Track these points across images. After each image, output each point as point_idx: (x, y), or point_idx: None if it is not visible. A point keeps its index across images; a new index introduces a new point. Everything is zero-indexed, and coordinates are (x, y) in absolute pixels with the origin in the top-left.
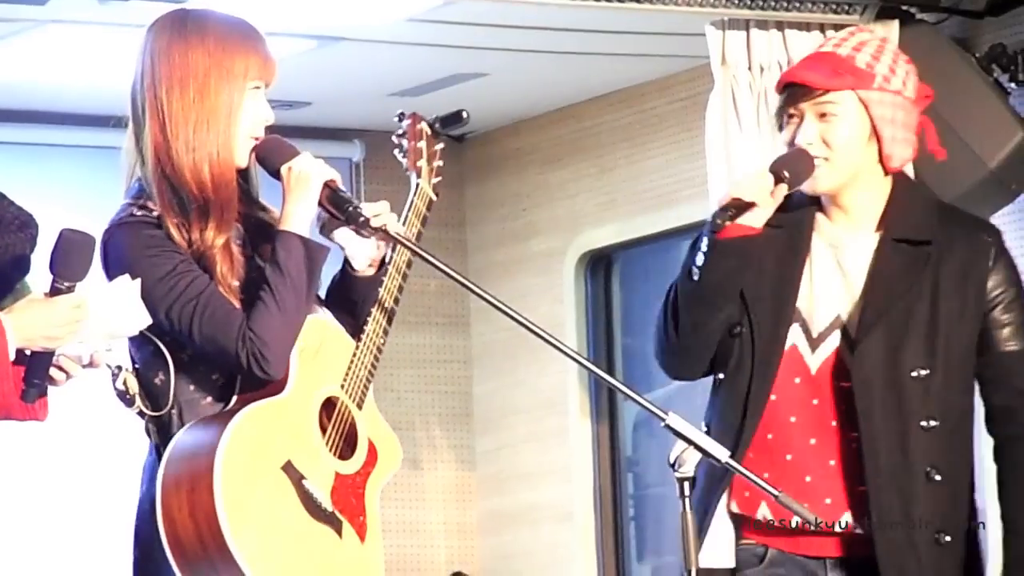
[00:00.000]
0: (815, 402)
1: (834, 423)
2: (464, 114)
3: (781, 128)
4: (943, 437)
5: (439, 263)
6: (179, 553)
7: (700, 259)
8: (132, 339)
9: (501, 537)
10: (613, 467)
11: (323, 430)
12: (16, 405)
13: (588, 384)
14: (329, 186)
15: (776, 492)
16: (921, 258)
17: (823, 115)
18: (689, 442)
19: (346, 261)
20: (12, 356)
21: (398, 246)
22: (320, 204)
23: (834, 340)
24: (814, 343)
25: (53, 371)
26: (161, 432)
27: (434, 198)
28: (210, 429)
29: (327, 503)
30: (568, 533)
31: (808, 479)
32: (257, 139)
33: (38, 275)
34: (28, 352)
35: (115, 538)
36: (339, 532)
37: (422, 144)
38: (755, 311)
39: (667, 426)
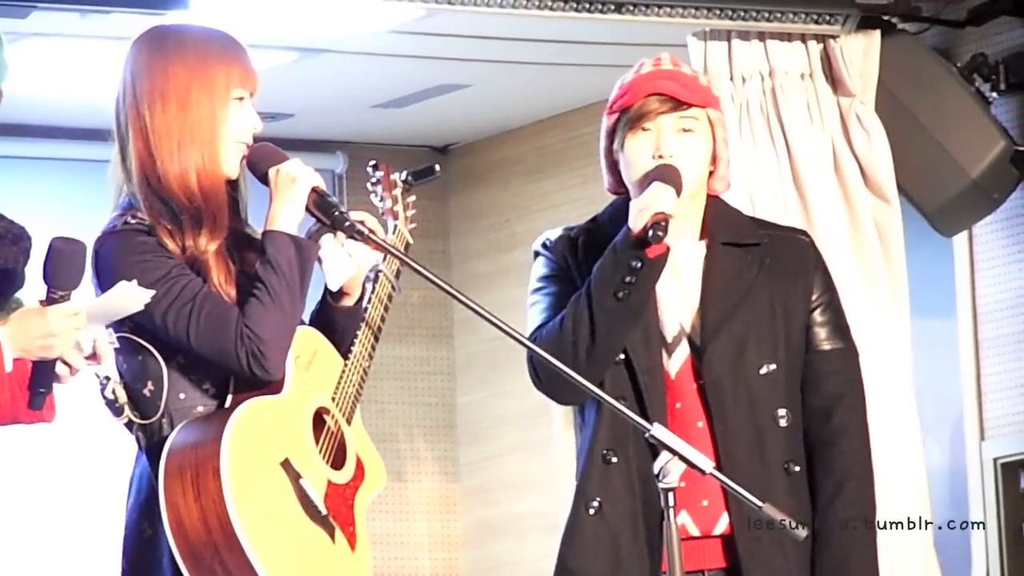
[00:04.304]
0: (678, 406)
1: (700, 424)
2: (436, 168)
3: (622, 139)
4: (795, 430)
5: (425, 270)
6: (182, 539)
7: (629, 278)
8: (120, 349)
9: (486, 548)
10: None
11: (315, 439)
12: (21, 410)
13: None
14: (316, 191)
15: (760, 504)
16: (750, 259)
17: (682, 129)
18: (673, 452)
19: (326, 292)
20: (9, 367)
21: (379, 279)
22: (307, 209)
23: (685, 345)
24: (669, 348)
25: (58, 366)
26: (150, 440)
27: (411, 242)
28: (211, 421)
29: (322, 506)
30: (553, 544)
31: (682, 484)
32: (248, 146)
33: (32, 288)
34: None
35: (110, 543)
36: (332, 537)
37: (397, 192)
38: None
39: (651, 436)
